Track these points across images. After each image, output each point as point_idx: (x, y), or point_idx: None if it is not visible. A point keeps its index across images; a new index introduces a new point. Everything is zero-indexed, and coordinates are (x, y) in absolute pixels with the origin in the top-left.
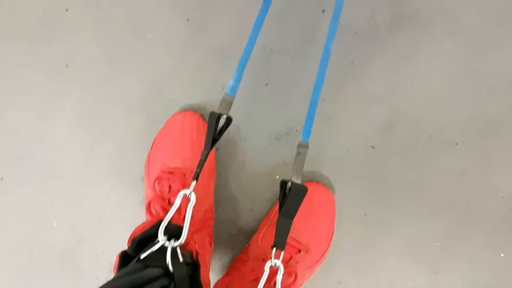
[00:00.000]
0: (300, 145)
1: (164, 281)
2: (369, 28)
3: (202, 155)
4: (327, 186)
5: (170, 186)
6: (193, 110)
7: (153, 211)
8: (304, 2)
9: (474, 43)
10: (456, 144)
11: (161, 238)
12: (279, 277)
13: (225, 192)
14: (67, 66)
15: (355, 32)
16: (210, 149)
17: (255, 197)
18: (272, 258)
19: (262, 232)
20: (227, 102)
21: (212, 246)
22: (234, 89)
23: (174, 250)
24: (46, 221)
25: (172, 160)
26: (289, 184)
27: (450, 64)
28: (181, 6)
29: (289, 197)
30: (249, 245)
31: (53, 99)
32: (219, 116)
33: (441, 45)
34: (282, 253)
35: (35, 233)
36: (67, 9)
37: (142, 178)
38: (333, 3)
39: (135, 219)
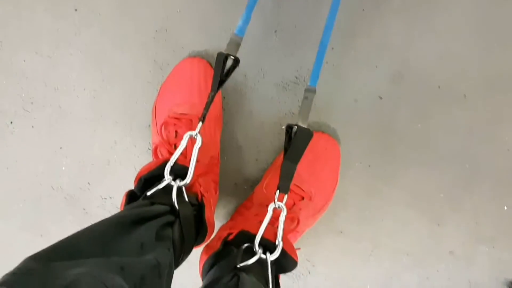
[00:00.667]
0: (307, 90)
1: (170, 217)
2: None
3: (208, 97)
4: (333, 136)
5: (176, 132)
6: (201, 56)
7: (160, 156)
8: None
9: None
10: (465, 96)
11: (167, 177)
12: (281, 218)
13: (231, 141)
14: (76, 10)
15: None
16: (217, 91)
17: (261, 147)
18: (276, 200)
19: (267, 180)
20: (235, 43)
21: (217, 193)
22: (242, 30)
23: (179, 190)
24: (55, 165)
25: (179, 106)
26: (294, 128)
27: (464, 15)
28: None
29: (294, 141)
30: (254, 192)
31: (61, 43)
32: (226, 57)
33: None
34: (286, 196)
35: (43, 177)
36: None
37: (149, 125)
38: None
39: (142, 165)
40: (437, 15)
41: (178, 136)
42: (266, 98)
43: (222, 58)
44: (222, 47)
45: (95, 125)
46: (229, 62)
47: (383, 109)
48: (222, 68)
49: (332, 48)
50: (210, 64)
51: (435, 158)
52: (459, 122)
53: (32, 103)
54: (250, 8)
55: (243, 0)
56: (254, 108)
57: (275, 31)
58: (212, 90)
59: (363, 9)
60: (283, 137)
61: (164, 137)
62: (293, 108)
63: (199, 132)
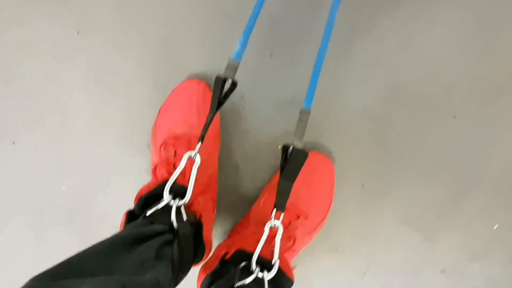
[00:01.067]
0: (302, 112)
1: (169, 236)
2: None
3: (207, 118)
4: (328, 155)
5: (175, 151)
6: (200, 78)
7: (159, 175)
8: None
9: (481, 14)
10: (456, 114)
11: (167, 196)
12: (278, 237)
13: (229, 160)
14: (78, 33)
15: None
16: (215, 113)
17: (258, 166)
18: (272, 218)
19: (264, 198)
20: (232, 67)
21: (215, 211)
22: (239, 54)
23: (178, 209)
24: (56, 185)
25: (178, 126)
26: (290, 149)
27: (455, 32)
28: None
29: (290, 161)
30: (251, 211)
31: (64, 64)
32: (224, 80)
33: (446, 11)
34: (282, 214)
35: (44, 197)
36: None
37: (149, 145)
38: None
39: (142, 185)
40: (427, 33)
41: (177, 156)
42: (263, 118)
43: (220, 82)
44: (221, 68)
45: (96, 145)
46: (227, 85)
47: (376, 128)
48: (220, 92)
49: (326, 71)
50: (209, 86)
51: (428, 175)
52: (450, 140)
53: (34, 123)
54: (247, 34)
55: (240, 24)
56: (251, 128)
57: (271, 54)
58: (210, 112)
59: (355, 33)
60: (279, 155)
61: (164, 156)
62: (289, 128)
63: (198, 152)
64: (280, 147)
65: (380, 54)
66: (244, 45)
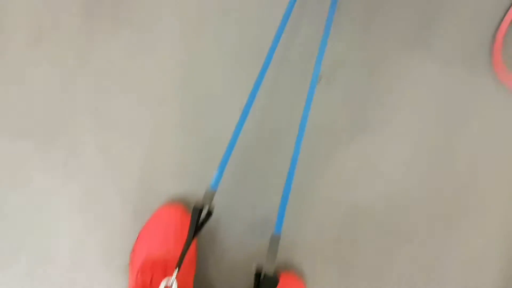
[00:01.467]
0: (272, 237)
1: None
2: (331, 133)
3: (184, 246)
4: (299, 273)
5: (152, 277)
6: (177, 203)
7: None
8: (279, 103)
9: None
10: (412, 237)
11: None
12: None
13: (204, 280)
14: (65, 164)
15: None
16: (192, 240)
17: (233, 285)
18: None
19: None
20: (209, 197)
21: None
22: (215, 185)
23: None
24: None
25: (156, 251)
26: (262, 276)
27: (407, 158)
28: (178, 117)
29: (262, 287)
30: None
31: (49, 194)
32: (200, 211)
33: (398, 143)
34: None
35: None
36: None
37: (127, 269)
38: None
39: None
40: (377, 162)
41: (153, 282)
42: (238, 240)
43: (197, 212)
44: (198, 192)
45: (75, 270)
46: (204, 214)
47: (342, 248)
48: (197, 221)
49: (294, 195)
50: (187, 209)
51: None
52: (412, 260)
53: (16, 253)
54: (222, 167)
55: (216, 149)
56: (226, 248)
57: (244, 179)
58: (187, 240)
59: (317, 162)
60: (253, 275)
61: (140, 283)
62: (262, 248)
63: (174, 280)
64: (254, 267)
65: (340, 179)
66: (219, 177)
